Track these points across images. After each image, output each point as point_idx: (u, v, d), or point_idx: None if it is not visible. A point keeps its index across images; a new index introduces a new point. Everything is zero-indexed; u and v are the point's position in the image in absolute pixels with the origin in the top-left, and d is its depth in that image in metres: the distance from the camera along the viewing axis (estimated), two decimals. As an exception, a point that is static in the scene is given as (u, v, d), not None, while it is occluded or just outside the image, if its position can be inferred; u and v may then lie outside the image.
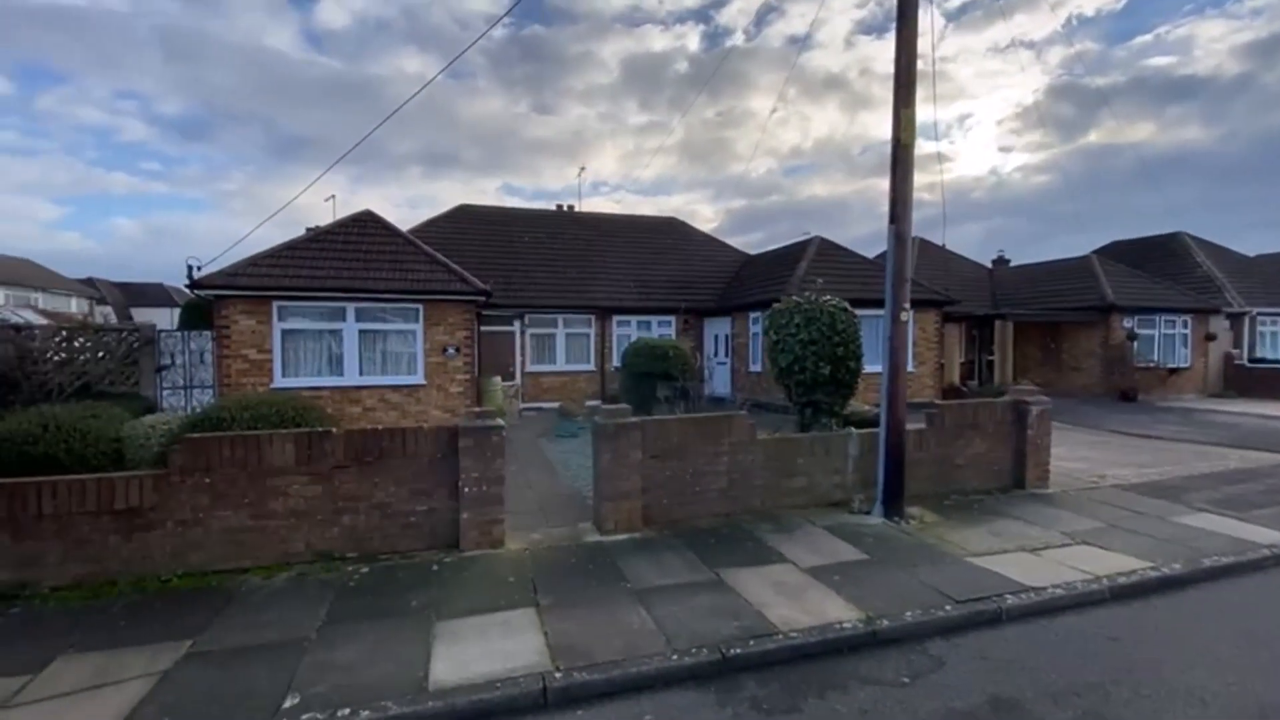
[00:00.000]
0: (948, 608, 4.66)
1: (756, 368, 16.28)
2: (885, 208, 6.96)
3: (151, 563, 5.14)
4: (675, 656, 3.96)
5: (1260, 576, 5.61)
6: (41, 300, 35.17)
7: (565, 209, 23.14)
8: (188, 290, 11.98)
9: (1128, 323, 19.52)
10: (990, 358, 20.51)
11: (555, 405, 16.17)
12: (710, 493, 6.81)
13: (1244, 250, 25.03)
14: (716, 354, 18.82)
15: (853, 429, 7.77)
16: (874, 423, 7.65)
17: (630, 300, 18.50)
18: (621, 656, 3.94)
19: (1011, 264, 26.37)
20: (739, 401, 15.31)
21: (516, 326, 17.10)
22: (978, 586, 5.02)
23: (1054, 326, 21.23)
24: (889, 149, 6.92)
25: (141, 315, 39.26)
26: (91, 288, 44.25)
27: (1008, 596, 4.85)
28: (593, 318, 18.03)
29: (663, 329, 18.57)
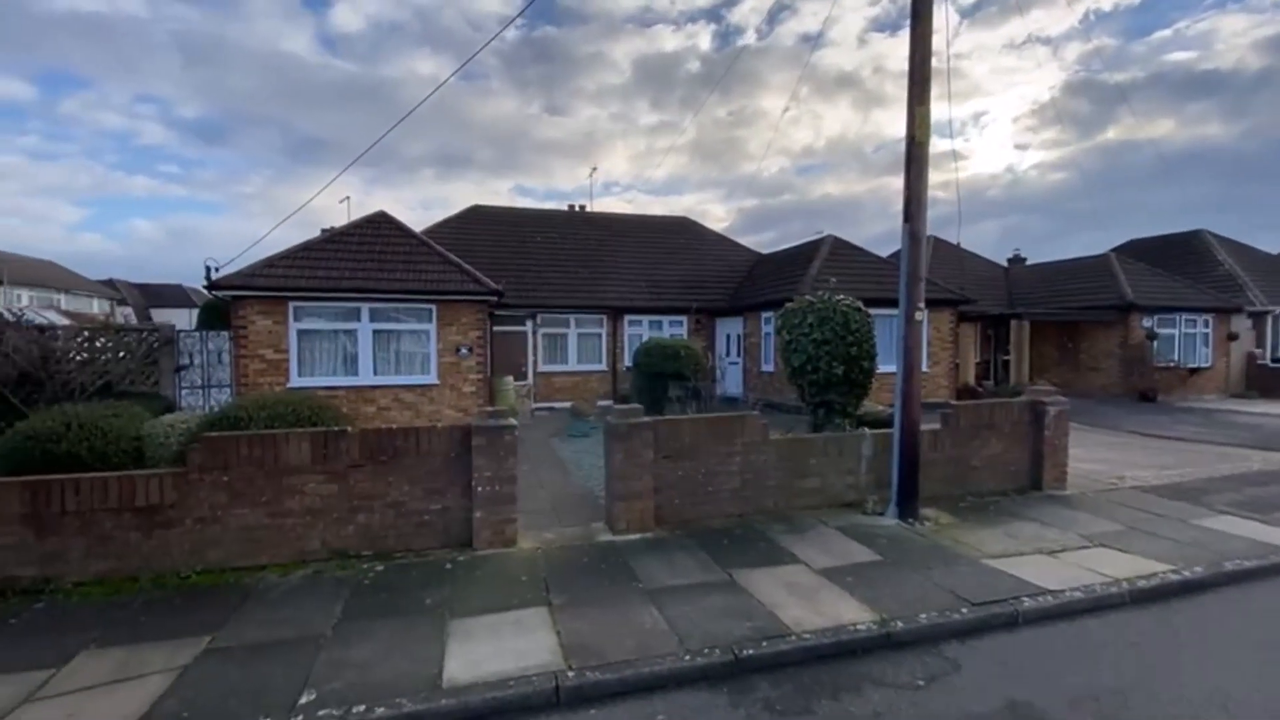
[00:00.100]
0: (963, 610, 4.62)
1: (769, 367, 16.21)
2: (899, 206, 6.90)
3: (171, 559, 5.22)
4: (687, 657, 3.95)
5: (1285, 581, 5.49)
6: (64, 301, 35.84)
7: (577, 209, 23.20)
8: (206, 291, 12.17)
9: (1147, 322, 19.21)
10: (1006, 357, 20.28)
11: (567, 405, 16.22)
12: (723, 493, 6.79)
13: (1266, 248, 24.57)
14: (728, 354, 18.77)
15: (866, 429, 7.72)
16: (888, 423, 7.60)
17: (642, 300, 18.50)
18: (634, 656, 3.94)
19: (1028, 262, 26.04)
20: (751, 401, 15.26)
21: (528, 326, 17.16)
22: (994, 589, 4.96)
23: (1071, 326, 20.94)
24: (903, 147, 6.87)
25: (161, 316, 39.89)
26: (112, 289, 45.02)
27: (1024, 599, 4.79)
28: (604, 318, 18.06)
29: (674, 329, 18.56)
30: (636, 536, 6.21)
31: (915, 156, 6.72)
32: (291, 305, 11.78)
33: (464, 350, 12.79)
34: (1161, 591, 5.13)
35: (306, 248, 12.78)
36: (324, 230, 16.15)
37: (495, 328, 15.25)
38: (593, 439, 11.55)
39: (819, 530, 6.43)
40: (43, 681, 3.70)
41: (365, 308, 12.23)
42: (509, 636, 4.21)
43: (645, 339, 16.21)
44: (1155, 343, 19.06)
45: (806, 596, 4.85)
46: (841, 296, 9.31)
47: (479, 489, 5.85)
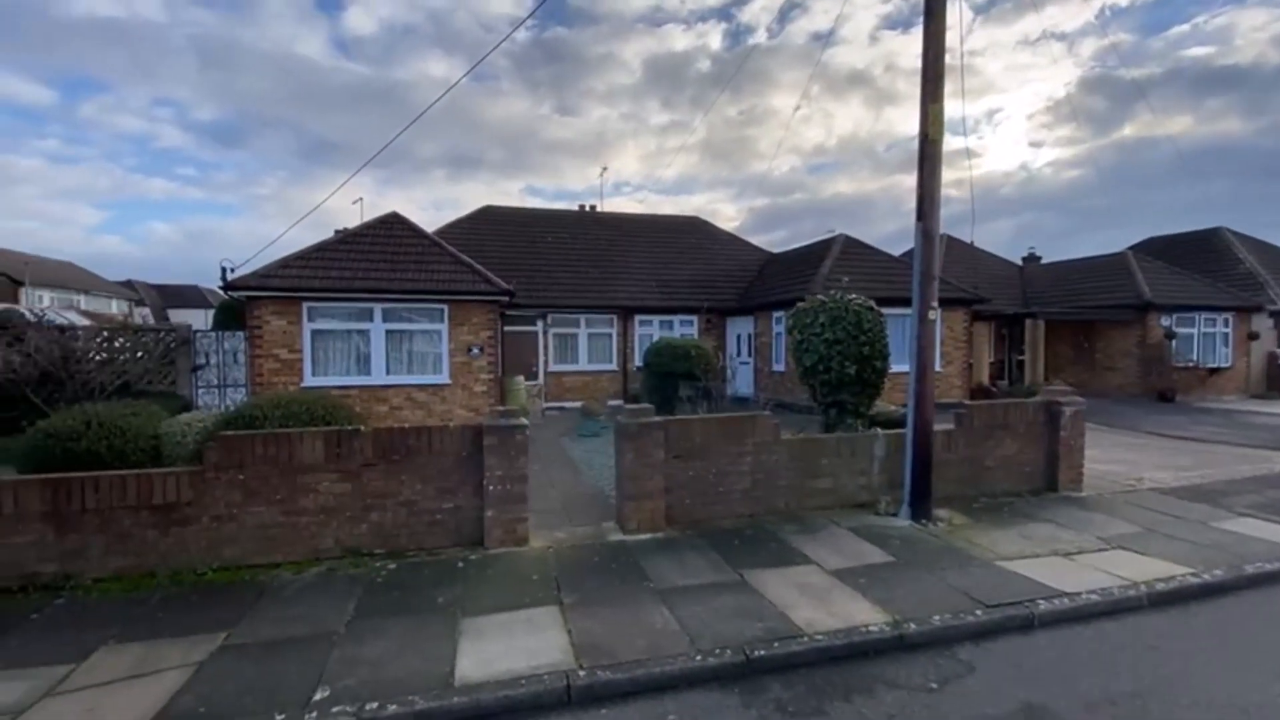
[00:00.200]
0: (977, 612, 4.57)
1: (780, 367, 16.15)
2: (912, 205, 6.85)
3: (188, 556, 5.29)
4: (699, 657, 3.94)
5: (1308, 584, 5.39)
6: (84, 302, 36.42)
7: (587, 209, 23.23)
8: (222, 292, 12.32)
9: (1165, 321, 18.93)
10: (1020, 357, 20.05)
11: (578, 405, 16.23)
12: (734, 493, 6.77)
13: (1289, 246, 24.09)
14: (739, 354, 18.72)
15: (879, 429, 7.67)
16: (900, 423, 7.54)
17: (652, 300, 18.50)
18: (645, 656, 3.94)
19: (1042, 261, 25.75)
20: (762, 401, 15.20)
21: (539, 326, 17.22)
22: (1009, 591, 4.91)
23: (1087, 325, 20.67)
24: (915, 145, 6.81)
25: (178, 316, 40.45)
26: (131, 290, 45.72)
27: (1040, 602, 4.73)
28: (615, 317, 18.08)
29: (685, 329, 18.53)
30: (647, 536, 6.21)
31: (928, 154, 6.66)
32: (305, 305, 11.89)
33: (475, 350, 12.85)
34: (1180, 594, 5.05)
35: (320, 248, 12.90)
36: (337, 231, 16.29)
37: (506, 328, 15.30)
38: (603, 439, 11.56)
39: (831, 531, 6.39)
40: (63, 676, 3.76)
41: (378, 308, 12.32)
42: (520, 635, 4.22)
43: (656, 339, 16.21)
44: (1174, 342, 18.77)
45: (818, 597, 4.82)
46: (854, 296, 9.25)
47: (490, 488, 5.88)
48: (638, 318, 18.28)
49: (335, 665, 3.85)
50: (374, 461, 5.71)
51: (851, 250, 17.23)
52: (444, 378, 12.68)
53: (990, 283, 21.90)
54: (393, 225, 14.11)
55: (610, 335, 18.09)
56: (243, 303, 11.92)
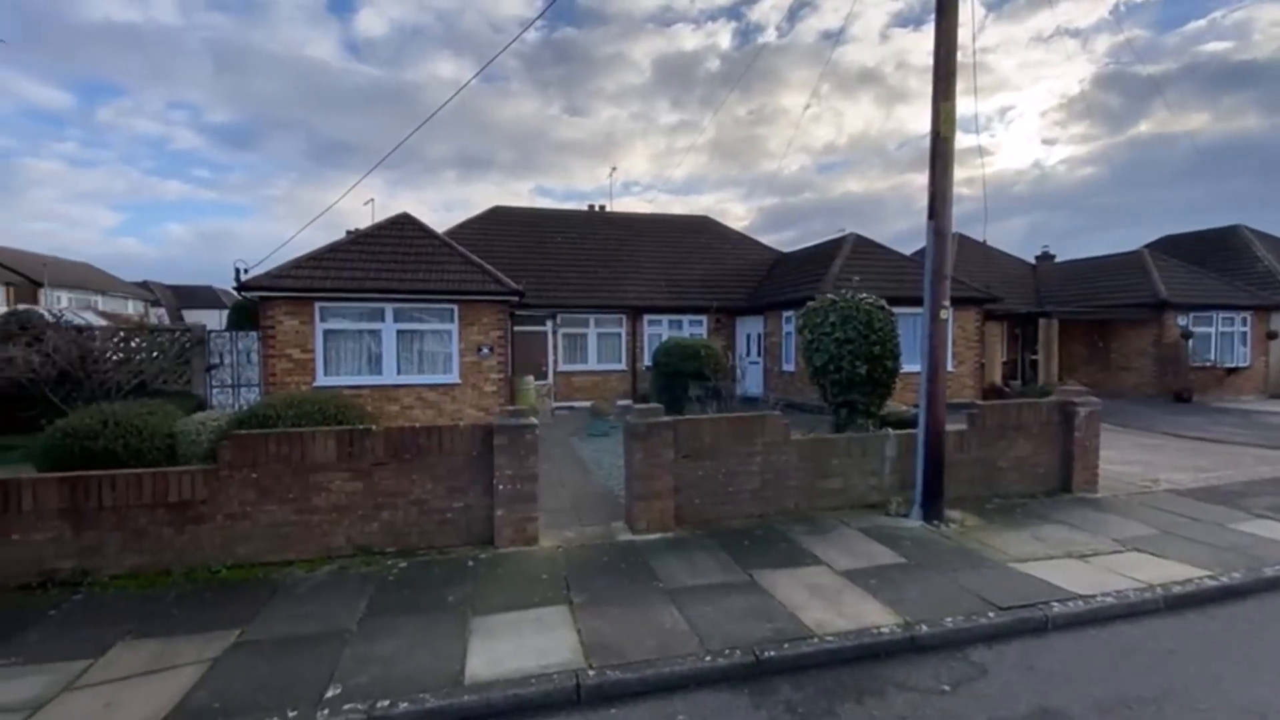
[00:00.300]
0: (990, 614, 4.53)
1: (790, 367, 16.09)
2: (923, 203, 6.81)
3: (202, 554, 5.35)
4: (708, 658, 3.94)
5: (1330, 588, 5.29)
6: (101, 302, 36.94)
7: (597, 209, 23.26)
8: (235, 292, 12.46)
9: (1182, 320, 18.67)
10: (1034, 357, 19.84)
11: (587, 404, 16.26)
12: (743, 493, 6.75)
13: (1309, 244, 23.67)
14: (749, 353, 18.67)
15: (890, 429, 7.62)
16: (911, 423, 7.49)
17: (661, 300, 18.49)
18: (654, 656, 3.94)
19: (1056, 260, 25.47)
20: (772, 401, 15.15)
21: (549, 326, 17.26)
22: (1022, 593, 4.86)
23: (1102, 324, 20.43)
24: (927, 143, 6.76)
25: (192, 316, 40.91)
26: (146, 290, 46.33)
27: (1054, 604, 4.68)
28: (624, 317, 18.09)
29: (694, 328, 18.51)
30: (656, 536, 6.21)
31: (940, 152, 6.61)
32: (318, 305, 11.99)
33: (485, 350, 12.90)
34: (1198, 597, 4.98)
35: (332, 249, 13.00)
36: (349, 232, 16.43)
37: (516, 327, 15.35)
38: (612, 438, 11.57)
39: (841, 531, 6.36)
40: (81, 671, 3.82)
41: (389, 308, 12.40)
42: (530, 634, 4.24)
43: (665, 338, 16.20)
44: (1190, 341, 18.51)
45: (829, 598, 4.80)
46: (864, 295, 9.21)
47: (500, 487, 5.90)
48: (647, 317, 18.27)
49: (347, 663, 3.88)
50: (385, 461, 5.74)
51: (862, 249, 17.13)
52: (454, 377, 12.74)
53: (1003, 282, 21.71)
54: (403, 226, 14.20)
55: (619, 335, 18.10)
56: (256, 303, 12.04)
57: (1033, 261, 25.66)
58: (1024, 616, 4.53)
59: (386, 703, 3.47)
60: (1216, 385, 18.91)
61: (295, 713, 3.39)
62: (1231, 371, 19.25)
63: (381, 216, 16.58)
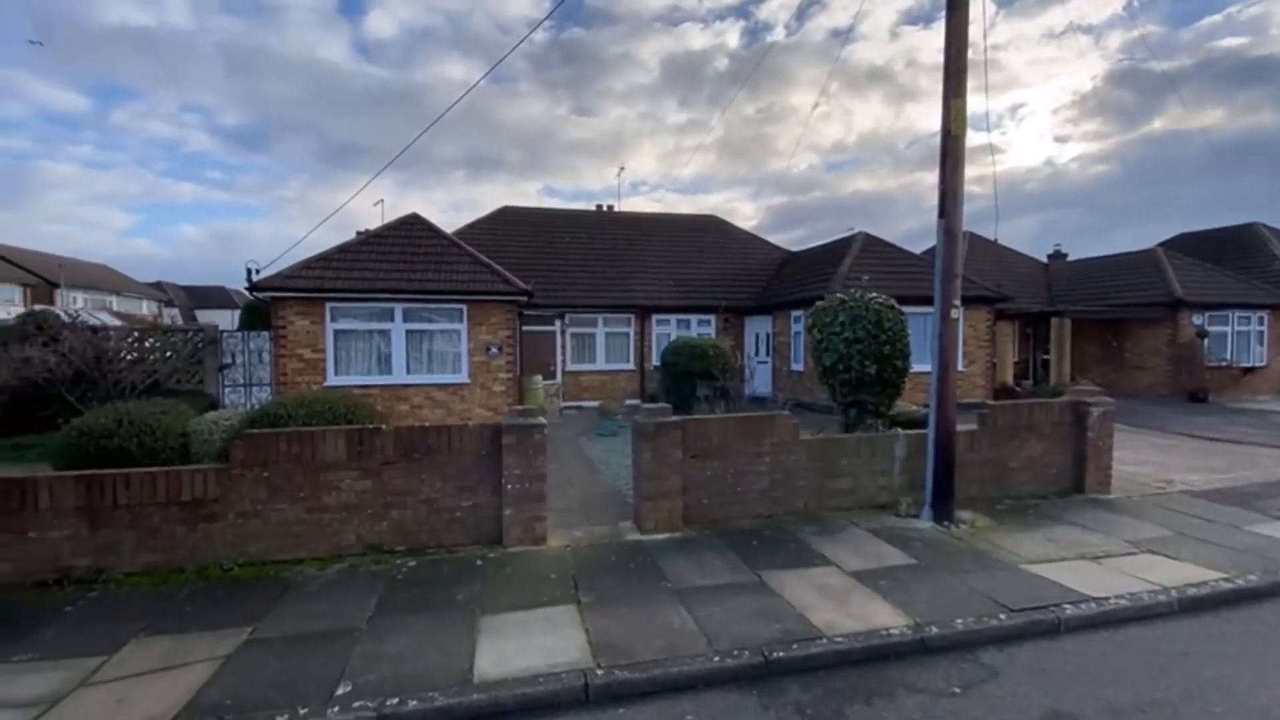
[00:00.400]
0: (1001, 616, 4.49)
1: (798, 367, 16.03)
2: (933, 202, 6.76)
3: (214, 552, 5.41)
4: (716, 658, 3.93)
5: (1349, 592, 5.20)
6: (116, 303, 37.40)
7: (605, 209, 23.26)
8: (247, 292, 12.57)
9: (1197, 319, 18.43)
10: (1045, 356, 19.65)
11: (595, 404, 16.28)
12: (752, 493, 6.74)
13: (1329, 241, 23.29)
14: (757, 353, 18.62)
15: (899, 430, 7.58)
16: (921, 423, 7.44)
17: (670, 299, 18.47)
18: (662, 656, 3.94)
19: (1068, 258, 25.21)
20: (780, 401, 15.10)
21: (557, 326, 17.29)
22: (1034, 595, 4.82)
23: (1116, 324, 20.20)
24: (937, 141, 6.72)
25: (205, 317, 41.33)
26: (160, 291, 46.88)
27: (1066, 606, 4.63)
28: (632, 317, 18.08)
29: (702, 328, 18.47)
30: (664, 536, 6.20)
31: (950, 151, 6.57)
32: (328, 306, 12.08)
33: (494, 350, 12.95)
34: (1213, 600, 4.92)
35: (342, 249, 13.09)
36: (359, 232, 16.52)
37: (524, 327, 15.40)
38: (620, 438, 11.58)
39: (850, 532, 6.33)
40: (96, 667, 3.87)
41: (398, 308, 12.47)
42: (538, 633, 4.25)
43: (673, 338, 16.19)
44: (1206, 341, 18.28)
45: (838, 599, 4.78)
46: (874, 294, 9.15)
47: (509, 487, 5.92)
48: (655, 317, 18.26)
49: (357, 660, 3.91)
50: (395, 460, 5.78)
51: (871, 248, 17.03)
52: (463, 377, 12.80)
53: (1014, 281, 21.52)
54: (413, 226, 14.27)
55: (628, 335, 18.10)
56: (267, 303, 12.14)
57: (1045, 260, 25.40)
58: (1036, 618, 4.49)
59: (396, 701, 3.49)
60: (1232, 385, 18.65)
61: (306, 710, 3.41)
62: (1248, 371, 18.98)
63: (391, 217, 16.66)
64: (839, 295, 9.40)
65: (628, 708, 3.61)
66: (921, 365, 10.40)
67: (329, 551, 5.64)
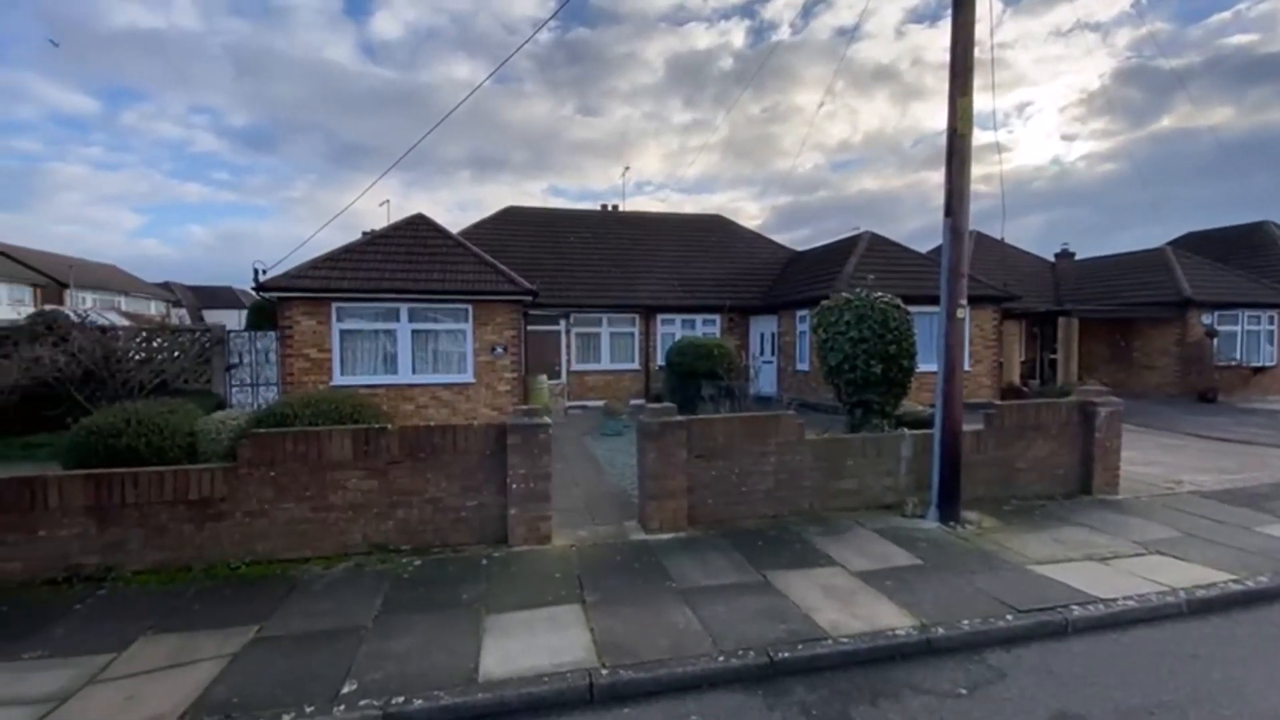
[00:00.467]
0: (1008, 617, 4.47)
1: (804, 366, 16.00)
2: (939, 201, 6.73)
3: (221, 551, 5.44)
4: (721, 658, 3.93)
5: (1361, 594, 5.15)
6: (124, 303, 37.67)
7: (610, 209, 23.27)
8: (254, 292, 12.63)
9: (1207, 319, 18.28)
10: (1053, 356, 19.55)
11: (600, 404, 16.29)
12: (757, 493, 6.73)
13: (1341, 240, 23.07)
14: (762, 353, 18.59)
15: (905, 430, 7.55)
16: (927, 423, 7.41)
17: (674, 299, 18.46)
18: (667, 656, 3.93)
19: (1076, 257, 25.04)
20: (785, 401, 15.08)
21: (562, 326, 17.30)
22: (1041, 596, 4.79)
23: (1124, 323, 20.07)
24: (943, 140, 6.69)
25: (212, 317, 41.59)
26: (168, 291, 47.19)
27: (1074, 607, 4.61)
28: (637, 317, 18.08)
29: (707, 328, 18.46)
30: (669, 536, 6.20)
31: (957, 149, 6.54)
32: (334, 306, 12.12)
33: (499, 349, 12.97)
34: (1222, 601, 4.88)
35: (348, 250, 13.14)
36: (365, 232, 16.58)
37: (529, 327, 15.41)
38: (625, 438, 11.58)
39: (856, 532, 6.31)
40: (104, 665, 3.90)
41: (404, 308, 12.50)
42: (543, 633, 4.25)
43: (678, 338, 16.19)
44: (1215, 340, 18.14)
45: (843, 599, 4.77)
46: (880, 294, 9.13)
47: (514, 486, 5.93)
48: (660, 317, 18.26)
49: (363, 659, 3.92)
50: (400, 459, 5.80)
51: (877, 247, 16.98)
52: (469, 377, 12.82)
53: (1021, 280, 21.40)
54: (418, 226, 14.31)
55: (632, 334, 18.10)
56: (274, 303, 12.20)
57: (1052, 259, 25.24)
58: (1043, 619, 4.47)
59: (401, 699, 3.50)
60: (1242, 385, 18.50)
61: (312, 708, 3.43)
62: (1258, 371, 18.83)
63: (397, 217, 16.72)
64: (844, 295, 9.38)
65: (632, 708, 3.61)
66: (927, 365, 10.38)
67: (335, 550, 5.66)
